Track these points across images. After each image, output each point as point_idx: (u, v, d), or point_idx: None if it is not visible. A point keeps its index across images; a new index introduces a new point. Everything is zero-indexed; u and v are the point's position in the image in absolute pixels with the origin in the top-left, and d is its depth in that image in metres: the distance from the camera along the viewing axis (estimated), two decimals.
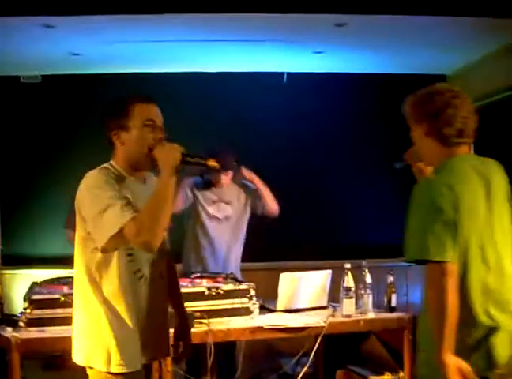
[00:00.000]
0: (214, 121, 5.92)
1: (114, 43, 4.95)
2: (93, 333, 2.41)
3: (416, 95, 2.44)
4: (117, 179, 2.41)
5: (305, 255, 5.73)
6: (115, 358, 2.37)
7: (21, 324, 3.35)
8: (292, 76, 6.03)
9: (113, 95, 6.09)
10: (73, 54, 5.28)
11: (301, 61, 5.72)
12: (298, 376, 3.92)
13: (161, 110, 6.15)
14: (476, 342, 2.21)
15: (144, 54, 5.37)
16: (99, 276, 2.38)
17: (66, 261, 5.53)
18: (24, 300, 3.40)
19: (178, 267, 4.66)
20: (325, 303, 3.95)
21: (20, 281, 5.58)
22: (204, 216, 4.61)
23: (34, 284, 3.69)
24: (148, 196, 2.38)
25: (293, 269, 4.02)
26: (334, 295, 3.95)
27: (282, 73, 6.02)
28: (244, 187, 4.72)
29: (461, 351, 2.18)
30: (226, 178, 4.58)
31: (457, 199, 2.21)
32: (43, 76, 5.94)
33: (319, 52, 5.41)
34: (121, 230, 2.25)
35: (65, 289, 3.47)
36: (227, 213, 4.65)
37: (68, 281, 3.58)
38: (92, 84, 5.93)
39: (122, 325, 2.38)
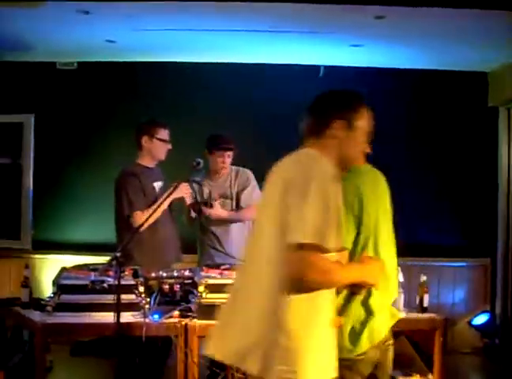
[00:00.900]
0: (247, 112, 5.87)
1: (150, 30, 4.93)
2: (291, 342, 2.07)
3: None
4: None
5: None
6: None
7: (49, 308, 3.36)
8: (329, 69, 5.95)
9: (148, 84, 6.16)
10: (109, 41, 5.28)
11: (339, 54, 5.63)
12: None
13: (195, 98, 6.14)
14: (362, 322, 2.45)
15: (180, 43, 5.35)
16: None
17: (95, 248, 5.63)
18: (53, 285, 3.41)
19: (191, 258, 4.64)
20: None
21: (50, 266, 5.63)
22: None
23: (63, 269, 3.69)
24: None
25: None
26: None
27: (318, 66, 5.94)
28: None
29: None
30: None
31: (362, 199, 2.44)
32: (78, 62, 5.97)
33: (357, 45, 5.32)
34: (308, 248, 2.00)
35: (94, 276, 3.46)
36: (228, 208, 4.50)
37: (97, 268, 3.58)
38: (127, 72, 5.95)
39: (324, 331, 2.12)
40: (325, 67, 5.94)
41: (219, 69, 5.84)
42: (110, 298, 3.18)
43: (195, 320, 3.31)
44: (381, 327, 2.50)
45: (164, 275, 3.60)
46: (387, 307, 2.58)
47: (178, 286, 3.54)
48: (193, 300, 3.44)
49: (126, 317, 3.27)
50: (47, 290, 4.80)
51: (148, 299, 3.42)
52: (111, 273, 3.39)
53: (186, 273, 3.66)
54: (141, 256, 4.02)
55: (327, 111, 2.26)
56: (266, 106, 5.81)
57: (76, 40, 5.27)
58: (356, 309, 2.43)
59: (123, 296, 3.16)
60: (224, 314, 2.29)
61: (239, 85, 5.82)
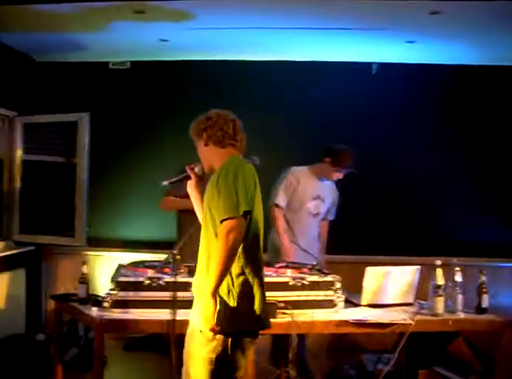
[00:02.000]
0: (300, 111, 5.84)
1: (202, 29, 4.94)
2: None
3: (198, 117, 3.06)
4: None
5: (394, 250, 5.58)
6: None
7: (106, 304, 3.40)
8: (381, 66, 5.87)
9: (200, 82, 6.17)
10: (162, 40, 5.32)
11: (392, 51, 5.54)
12: (379, 373, 3.81)
13: (249, 96, 6.13)
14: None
15: (232, 41, 5.34)
16: None
17: (148, 246, 5.69)
18: (111, 281, 3.44)
19: None
20: (411, 300, 3.81)
21: (103, 263, 5.72)
22: (303, 210, 4.64)
23: (120, 266, 3.73)
24: None
25: (380, 263, 3.89)
26: (420, 293, 3.82)
27: (371, 63, 5.87)
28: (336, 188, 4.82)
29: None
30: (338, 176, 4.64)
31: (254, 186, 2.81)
32: (131, 62, 6.04)
33: (411, 42, 5.22)
34: None
35: (150, 273, 3.49)
36: (320, 210, 4.72)
37: (153, 265, 3.61)
38: (180, 71, 5.99)
39: None
40: (378, 64, 5.88)
41: (272, 68, 5.82)
42: (166, 295, 3.21)
43: None
44: None
45: None
46: None
47: None
48: None
49: (182, 314, 3.29)
50: (100, 286, 4.87)
51: None
52: (167, 270, 3.42)
53: None
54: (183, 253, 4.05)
55: None
56: (319, 103, 5.78)
57: (129, 39, 5.31)
58: None
59: (179, 293, 3.18)
60: None
61: (291, 83, 5.80)
